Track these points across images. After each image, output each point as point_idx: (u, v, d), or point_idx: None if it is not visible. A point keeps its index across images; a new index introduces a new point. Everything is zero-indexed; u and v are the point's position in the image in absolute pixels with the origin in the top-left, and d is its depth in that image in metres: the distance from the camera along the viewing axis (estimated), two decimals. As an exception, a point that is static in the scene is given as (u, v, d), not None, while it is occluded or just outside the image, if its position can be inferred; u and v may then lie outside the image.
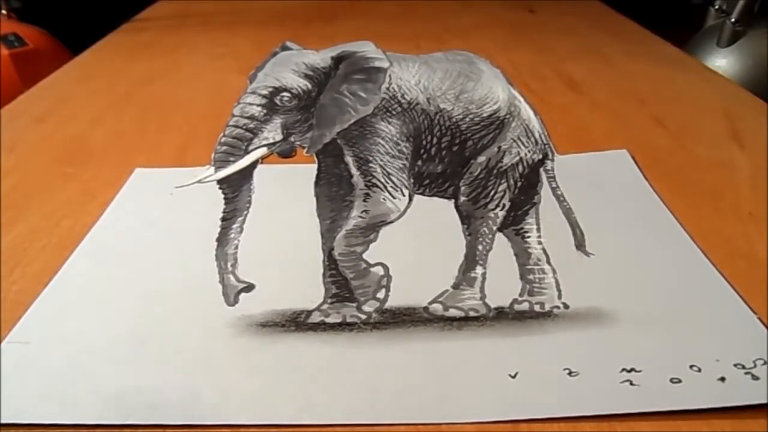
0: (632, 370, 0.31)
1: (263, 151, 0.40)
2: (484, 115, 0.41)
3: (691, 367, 0.31)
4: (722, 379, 0.31)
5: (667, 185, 0.50)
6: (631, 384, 0.31)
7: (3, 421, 0.30)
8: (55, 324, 0.36)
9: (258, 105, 0.40)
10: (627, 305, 0.36)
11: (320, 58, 0.42)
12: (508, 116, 0.42)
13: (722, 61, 1.09)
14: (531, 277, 0.40)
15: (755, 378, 0.30)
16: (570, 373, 0.32)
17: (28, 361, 0.34)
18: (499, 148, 0.41)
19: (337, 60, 0.42)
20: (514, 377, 0.32)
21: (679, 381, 0.31)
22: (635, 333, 0.34)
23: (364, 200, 0.40)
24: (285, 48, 0.43)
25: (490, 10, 1.09)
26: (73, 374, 0.33)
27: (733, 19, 1.09)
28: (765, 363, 0.31)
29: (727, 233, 0.44)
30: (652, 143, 0.59)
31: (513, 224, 0.42)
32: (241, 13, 1.10)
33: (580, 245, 0.42)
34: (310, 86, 0.41)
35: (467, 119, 0.41)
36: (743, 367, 0.31)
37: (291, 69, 0.41)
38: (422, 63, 0.43)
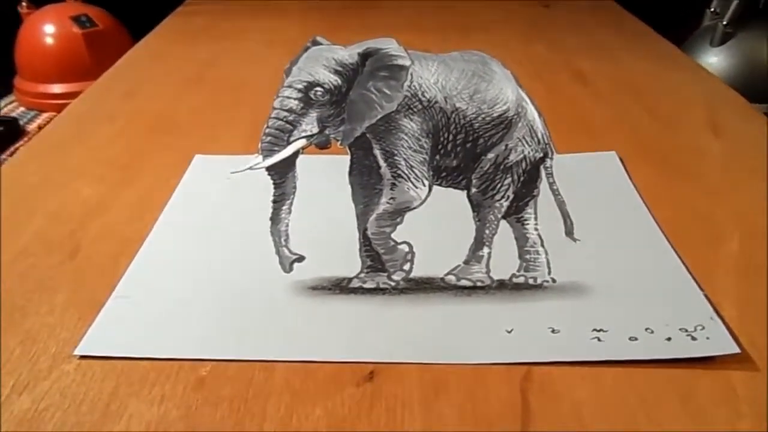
0: (601, 330, 0.40)
1: (303, 142, 0.45)
2: (495, 115, 0.46)
3: (646, 329, 0.40)
4: (669, 339, 0.39)
5: (651, 165, 0.60)
6: (599, 340, 0.39)
7: (112, 354, 0.39)
8: (147, 284, 0.45)
9: (295, 99, 0.44)
10: (601, 281, 0.45)
11: (348, 54, 0.45)
12: (515, 117, 0.46)
13: (714, 59, 1.18)
14: (527, 257, 0.47)
15: (694, 339, 0.39)
16: (553, 331, 0.40)
17: (131, 311, 0.43)
18: (506, 146, 0.46)
19: (364, 56, 0.45)
20: (509, 332, 0.40)
21: (636, 339, 0.39)
22: (605, 302, 0.43)
23: (391, 189, 0.45)
24: (315, 43, 0.46)
25: (508, 5, 1.16)
26: (167, 322, 0.42)
27: (724, 22, 1.17)
28: (703, 328, 0.40)
29: (694, 204, 0.55)
30: (642, 131, 0.68)
31: (515, 213, 0.48)
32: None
33: (569, 233, 0.48)
34: (340, 81, 0.44)
35: (479, 118, 0.46)
36: (686, 331, 0.40)
37: (322, 64, 0.44)
38: (440, 62, 0.46)
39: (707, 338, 0.39)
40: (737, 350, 0.38)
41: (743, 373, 0.37)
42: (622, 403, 0.36)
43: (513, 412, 0.35)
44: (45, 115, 1.35)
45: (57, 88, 1.35)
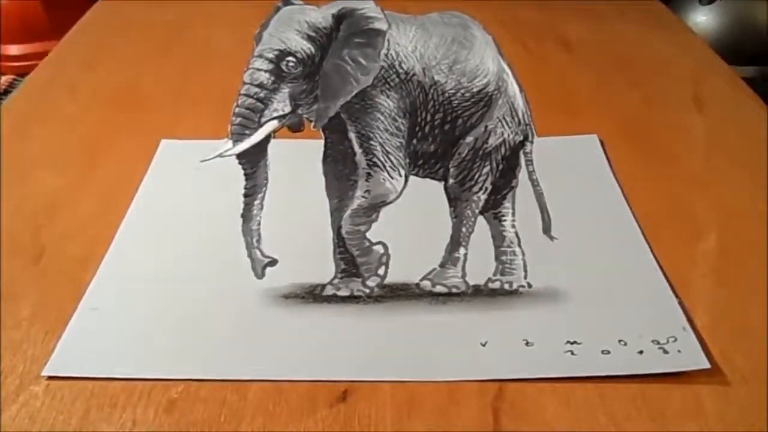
0: (574, 342, 0.40)
1: (274, 124, 0.43)
2: (474, 90, 0.44)
3: (619, 341, 0.40)
4: (641, 352, 0.39)
5: (633, 147, 0.58)
6: (572, 354, 0.39)
7: (81, 375, 0.38)
8: (115, 294, 0.44)
9: (266, 71, 0.42)
10: (577, 287, 0.44)
11: (321, 16, 0.43)
12: (495, 92, 0.45)
13: (703, 18, 1.16)
14: (504, 258, 0.46)
15: (665, 352, 0.39)
16: (527, 344, 0.40)
17: (99, 326, 0.42)
18: (486, 127, 0.45)
19: (338, 19, 0.43)
20: (484, 345, 0.40)
21: (609, 352, 0.39)
22: (580, 311, 0.42)
23: (366, 180, 0.44)
24: (287, 2, 0.44)
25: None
26: (136, 338, 0.41)
27: (714, -20, 1.14)
28: (675, 340, 0.40)
29: (674, 194, 0.54)
30: (626, 107, 0.66)
31: (492, 207, 0.47)
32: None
33: (546, 230, 0.47)
34: (313, 49, 0.42)
35: (459, 94, 0.44)
36: (658, 343, 0.40)
37: (294, 29, 0.42)
38: (419, 26, 0.44)
39: (678, 351, 0.39)
40: (707, 365, 0.39)
41: (712, 387, 0.38)
42: (592, 421, 0.36)
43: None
44: (3, 78, 1.28)
45: (14, 50, 1.28)
